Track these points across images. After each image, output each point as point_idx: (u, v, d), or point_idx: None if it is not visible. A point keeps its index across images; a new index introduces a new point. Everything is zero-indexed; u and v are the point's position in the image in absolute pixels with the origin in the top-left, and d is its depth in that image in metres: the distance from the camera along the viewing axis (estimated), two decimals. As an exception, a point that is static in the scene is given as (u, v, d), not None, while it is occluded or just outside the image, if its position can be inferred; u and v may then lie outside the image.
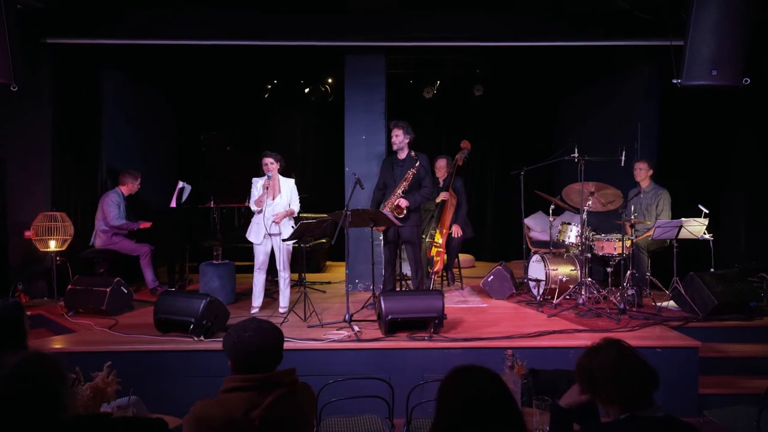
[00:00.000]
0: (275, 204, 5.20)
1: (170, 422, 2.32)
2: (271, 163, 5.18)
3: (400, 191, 5.25)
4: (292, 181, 5.36)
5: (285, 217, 5.21)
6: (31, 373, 1.73)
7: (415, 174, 5.23)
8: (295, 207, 5.31)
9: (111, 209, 5.91)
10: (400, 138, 5.29)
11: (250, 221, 5.36)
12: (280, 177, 5.29)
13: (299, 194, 5.39)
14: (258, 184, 5.24)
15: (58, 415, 1.74)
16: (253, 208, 5.22)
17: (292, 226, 5.22)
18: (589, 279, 5.36)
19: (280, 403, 1.95)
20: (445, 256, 6.35)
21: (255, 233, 5.24)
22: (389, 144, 5.61)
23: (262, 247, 5.24)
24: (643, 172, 5.88)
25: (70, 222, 5.82)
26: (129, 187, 6.15)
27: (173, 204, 6.44)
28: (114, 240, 5.97)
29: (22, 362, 1.76)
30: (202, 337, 4.36)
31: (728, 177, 6.24)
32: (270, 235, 5.18)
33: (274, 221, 5.15)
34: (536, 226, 7.37)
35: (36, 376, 1.73)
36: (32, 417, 1.69)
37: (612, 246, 5.34)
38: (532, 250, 6.49)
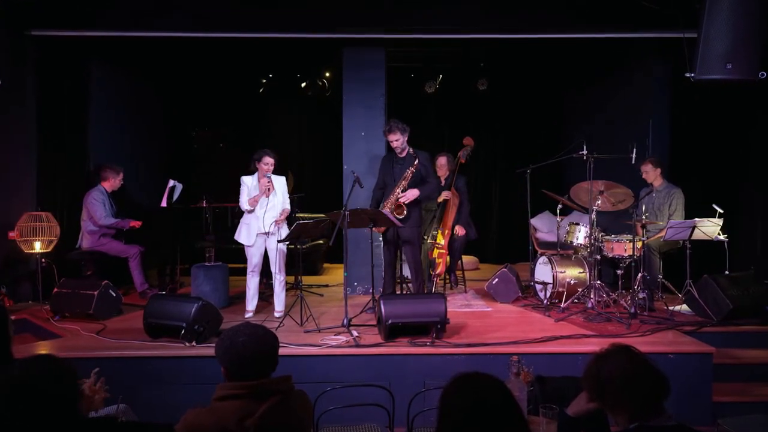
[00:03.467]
0: (270, 202, 5.20)
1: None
2: (273, 165, 5.21)
3: (399, 191, 5.25)
4: (283, 178, 5.38)
5: (283, 219, 5.23)
6: (46, 376, 1.77)
7: (415, 172, 5.23)
8: (287, 205, 5.32)
9: (97, 208, 5.90)
10: (400, 141, 5.28)
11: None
12: (273, 175, 5.30)
13: (296, 193, 5.40)
14: (249, 183, 5.25)
15: (73, 419, 1.78)
16: (246, 208, 5.22)
17: (287, 227, 5.23)
18: (599, 282, 5.35)
19: (275, 411, 1.95)
20: (448, 258, 6.35)
21: (245, 234, 5.24)
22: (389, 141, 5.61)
23: (255, 249, 5.25)
24: (650, 174, 5.89)
25: (56, 222, 5.82)
26: (111, 182, 6.12)
27: (164, 203, 6.43)
28: (102, 241, 5.96)
29: (38, 365, 1.80)
30: (193, 343, 4.36)
31: (744, 175, 6.24)
32: (267, 234, 5.19)
33: (276, 222, 5.17)
34: (543, 226, 7.37)
35: (52, 380, 1.77)
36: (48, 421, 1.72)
37: (622, 247, 5.34)
38: (539, 252, 6.49)
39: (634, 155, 5.40)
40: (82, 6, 5.84)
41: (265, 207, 5.19)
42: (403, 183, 5.23)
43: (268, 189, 5.17)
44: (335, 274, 7.83)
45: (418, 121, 5.51)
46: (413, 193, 5.19)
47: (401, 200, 5.18)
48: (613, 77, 7.36)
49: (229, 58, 7.75)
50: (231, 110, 8.68)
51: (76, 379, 1.84)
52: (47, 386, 1.74)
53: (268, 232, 5.19)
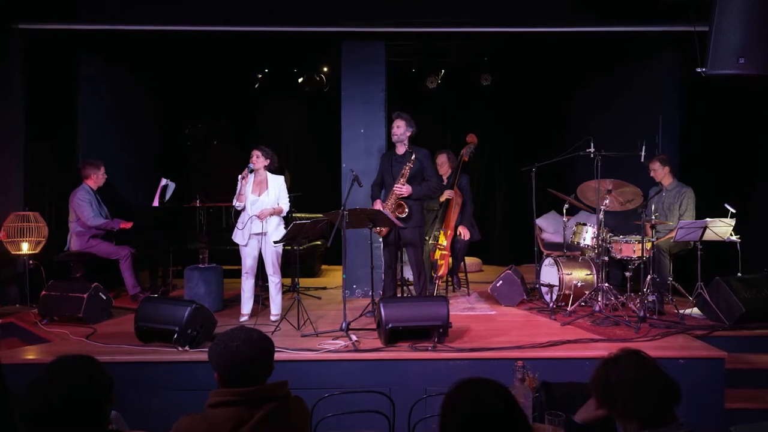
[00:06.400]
0: (261, 201, 5.21)
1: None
2: (257, 156, 5.20)
3: (396, 190, 5.25)
4: (281, 178, 5.37)
5: (270, 214, 5.20)
6: (85, 379, 1.76)
7: (411, 168, 5.23)
8: (284, 206, 5.32)
9: (84, 209, 5.87)
10: (401, 129, 5.29)
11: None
12: (269, 174, 5.30)
13: (292, 192, 5.39)
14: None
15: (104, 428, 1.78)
16: (235, 204, 5.23)
17: (284, 228, 5.23)
18: (606, 284, 5.36)
19: (270, 418, 1.95)
20: (450, 260, 6.35)
21: (240, 234, 5.24)
22: (389, 138, 5.61)
23: (249, 250, 5.25)
24: (658, 172, 5.90)
25: (44, 222, 5.81)
26: (94, 178, 6.06)
27: (156, 203, 6.43)
28: (91, 243, 5.95)
29: (74, 366, 1.79)
30: (187, 348, 4.36)
31: (757, 174, 6.23)
32: (253, 234, 5.18)
33: (257, 216, 5.15)
34: (549, 226, 7.37)
35: (91, 383, 1.76)
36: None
37: (631, 248, 5.34)
38: (545, 253, 6.48)
39: (643, 153, 5.40)
40: (70, -2, 5.85)
41: (255, 206, 5.20)
42: (401, 180, 5.23)
43: (253, 183, 5.19)
44: (333, 276, 7.84)
45: (419, 118, 5.51)
46: (408, 189, 5.19)
47: (396, 191, 5.18)
48: (621, 72, 7.35)
49: (223, 52, 7.75)
50: (226, 106, 8.67)
51: (112, 386, 1.83)
52: (86, 389, 1.74)
53: (261, 233, 5.18)
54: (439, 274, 6.18)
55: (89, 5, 5.92)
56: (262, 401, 1.97)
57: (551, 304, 5.56)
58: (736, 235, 5.36)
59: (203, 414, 1.96)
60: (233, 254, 5.65)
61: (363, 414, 3.25)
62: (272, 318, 5.30)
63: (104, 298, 5.37)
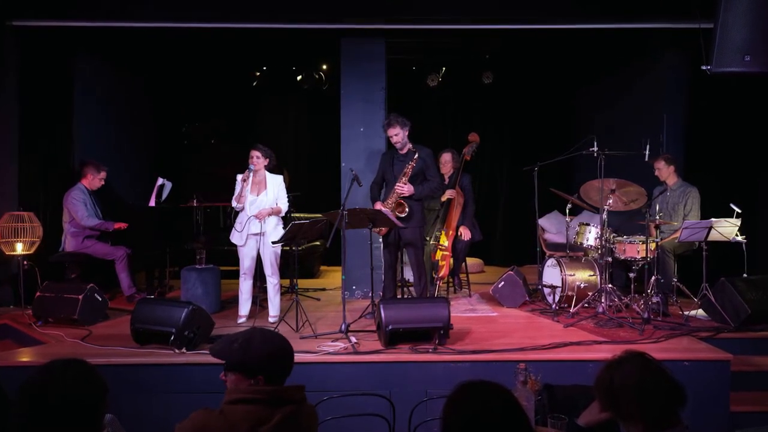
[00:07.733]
0: (259, 201, 5.21)
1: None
2: (257, 157, 5.19)
3: (398, 189, 5.25)
4: (280, 177, 5.37)
5: (269, 214, 5.21)
6: (79, 382, 1.77)
7: (414, 167, 5.23)
8: (283, 206, 5.32)
9: (78, 208, 5.86)
10: (400, 136, 5.29)
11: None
12: (267, 173, 5.30)
13: (291, 192, 5.38)
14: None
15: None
16: (234, 204, 5.23)
17: (282, 228, 5.23)
18: (610, 285, 5.36)
19: (288, 421, 1.96)
20: (451, 260, 6.35)
21: (238, 234, 5.24)
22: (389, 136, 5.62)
23: (247, 250, 5.25)
24: (663, 171, 5.90)
25: (38, 222, 5.80)
26: (89, 179, 6.03)
27: (152, 203, 6.43)
28: (86, 243, 5.95)
29: (70, 370, 1.79)
30: (184, 350, 4.36)
31: (764, 173, 6.23)
32: (251, 235, 5.18)
33: (255, 216, 5.15)
34: (551, 227, 7.37)
35: (84, 386, 1.77)
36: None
37: (635, 249, 5.34)
38: (547, 254, 6.48)
39: (647, 152, 5.40)
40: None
41: (253, 206, 5.20)
42: (403, 179, 5.24)
43: (252, 183, 5.19)
44: (333, 277, 7.83)
45: (420, 116, 5.51)
46: (409, 189, 5.20)
47: (398, 191, 5.18)
48: (625, 70, 7.35)
49: (221, 50, 7.75)
50: (223, 105, 8.68)
51: (106, 390, 1.84)
52: (80, 392, 1.75)
53: (259, 233, 5.18)
54: (440, 275, 6.18)
55: (85, 2, 5.92)
56: (281, 402, 1.98)
57: (554, 306, 5.56)
58: (741, 235, 5.35)
59: (221, 409, 1.97)
60: (231, 255, 5.64)
61: (363, 417, 3.25)
62: (270, 319, 5.30)
63: (100, 299, 5.37)
